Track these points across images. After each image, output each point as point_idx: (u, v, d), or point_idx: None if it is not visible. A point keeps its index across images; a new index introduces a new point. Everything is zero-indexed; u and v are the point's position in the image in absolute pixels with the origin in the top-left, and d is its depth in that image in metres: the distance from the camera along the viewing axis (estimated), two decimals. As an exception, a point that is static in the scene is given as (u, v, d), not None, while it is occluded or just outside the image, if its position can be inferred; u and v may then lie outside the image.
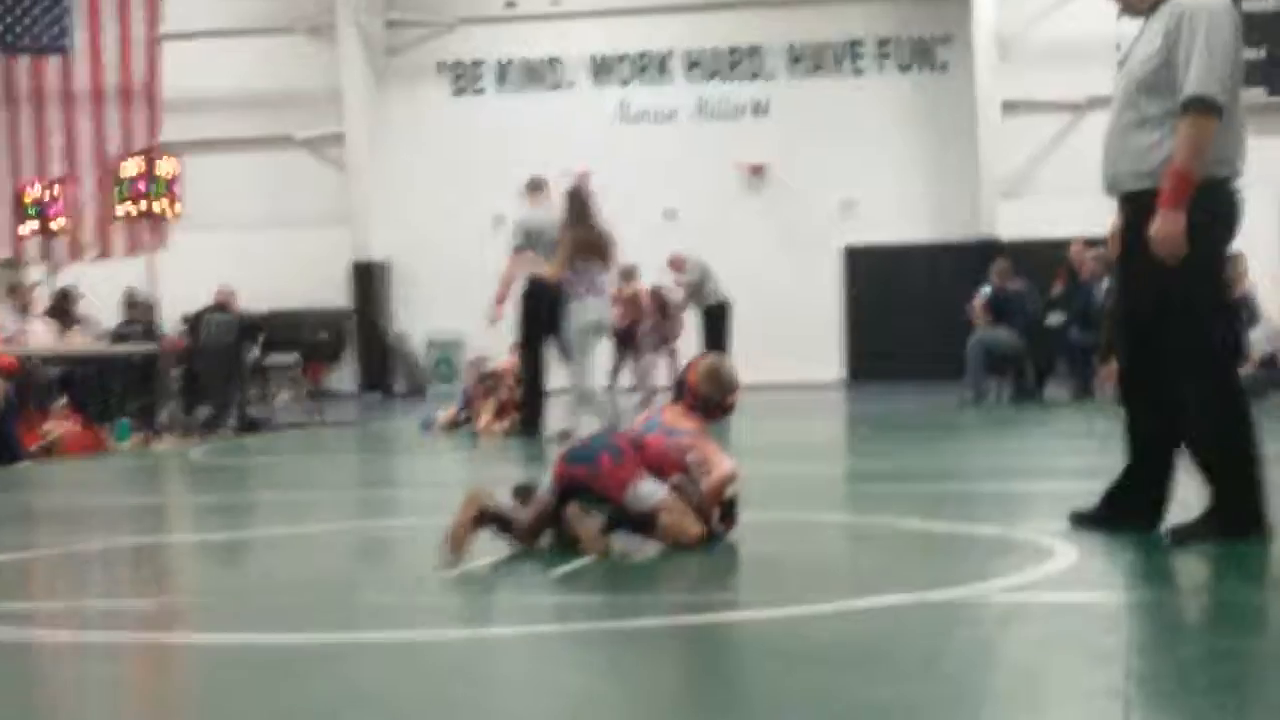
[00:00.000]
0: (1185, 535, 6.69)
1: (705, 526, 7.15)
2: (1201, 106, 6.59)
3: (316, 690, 4.62)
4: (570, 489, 7.04)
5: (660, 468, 7.13)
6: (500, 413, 16.35)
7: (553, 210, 15.53)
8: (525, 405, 15.55)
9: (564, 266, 14.69)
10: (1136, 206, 6.77)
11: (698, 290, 22.87)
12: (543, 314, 15.18)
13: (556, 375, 15.67)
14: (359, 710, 4.33)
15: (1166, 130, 6.68)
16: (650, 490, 6.99)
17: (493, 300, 15.64)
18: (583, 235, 14.79)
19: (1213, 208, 6.69)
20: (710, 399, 7.59)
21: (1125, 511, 7.01)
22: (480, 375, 17.11)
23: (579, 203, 15.03)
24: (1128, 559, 6.59)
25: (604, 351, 15.48)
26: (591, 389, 14.87)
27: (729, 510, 7.32)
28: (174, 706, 4.67)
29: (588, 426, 14.61)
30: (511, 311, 15.65)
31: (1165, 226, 6.60)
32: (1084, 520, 7.15)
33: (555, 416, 15.38)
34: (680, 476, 7.17)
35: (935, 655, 4.75)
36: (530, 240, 15.53)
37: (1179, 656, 4.73)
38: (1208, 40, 6.63)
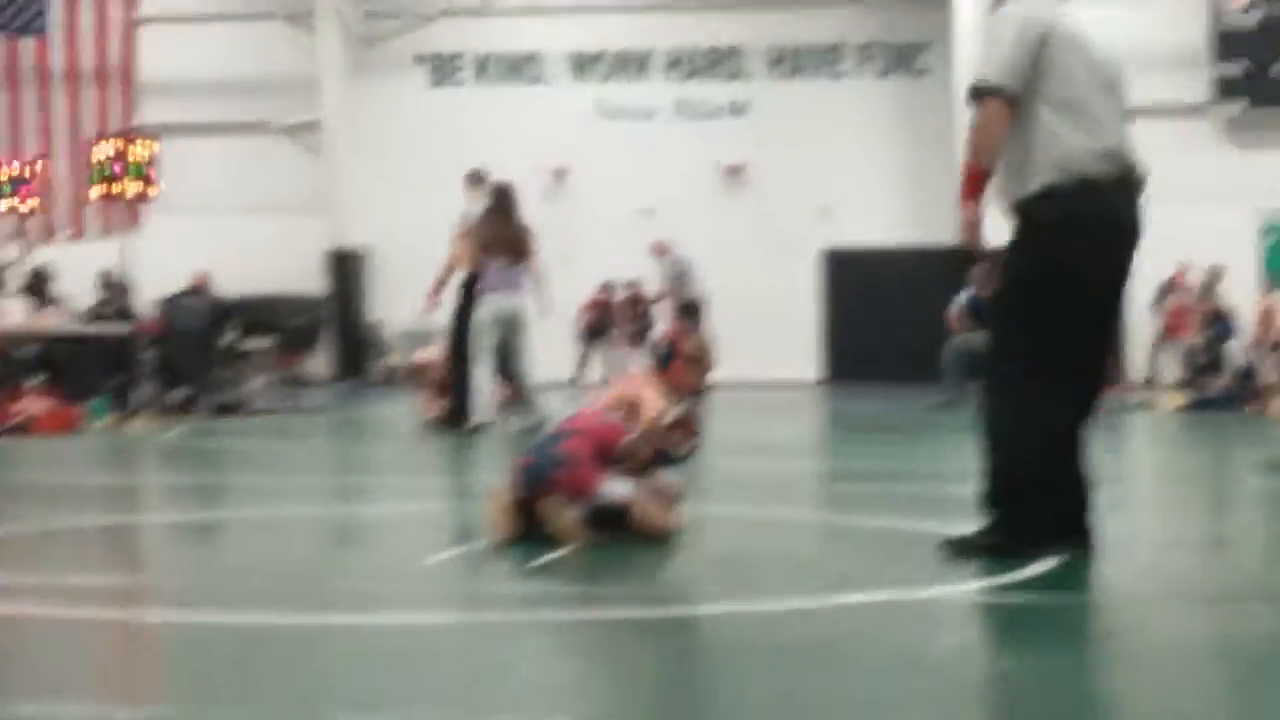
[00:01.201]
0: (959, 548, 6.58)
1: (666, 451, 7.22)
2: (978, 93, 6.49)
3: (288, 670, 4.63)
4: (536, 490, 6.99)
5: (604, 445, 7.11)
6: (435, 397, 16.08)
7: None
8: (452, 396, 15.33)
9: (470, 260, 14.89)
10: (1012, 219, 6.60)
11: (679, 284, 22.92)
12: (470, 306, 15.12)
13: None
14: (329, 691, 4.34)
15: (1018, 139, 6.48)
16: (617, 486, 6.99)
17: (429, 289, 15.68)
18: (489, 230, 14.79)
19: (1068, 209, 6.41)
20: (695, 357, 7.60)
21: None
22: (407, 371, 16.85)
23: (499, 198, 15.01)
24: (1100, 564, 6.55)
25: (533, 345, 15.04)
26: (481, 385, 14.60)
27: (683, 424, 7.35)
28: (145, 680, 4.66)
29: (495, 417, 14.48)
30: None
31: (961, 217, 6.57)
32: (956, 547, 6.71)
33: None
34: (628, 439, 7.16)
35: (905, 654, 4.76)
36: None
37: (1154, 672, 4.76)
38: (992, 33, 6.64)
